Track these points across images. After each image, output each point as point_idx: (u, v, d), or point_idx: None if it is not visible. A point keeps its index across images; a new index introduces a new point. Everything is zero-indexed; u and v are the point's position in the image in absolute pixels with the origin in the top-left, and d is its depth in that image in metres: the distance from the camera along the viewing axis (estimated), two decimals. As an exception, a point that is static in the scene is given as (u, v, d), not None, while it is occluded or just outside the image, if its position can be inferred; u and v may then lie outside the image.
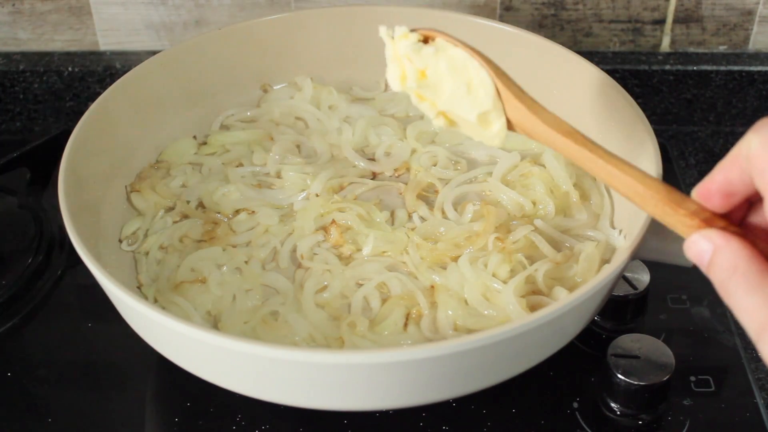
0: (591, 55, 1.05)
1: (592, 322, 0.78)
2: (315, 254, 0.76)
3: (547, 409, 0.73)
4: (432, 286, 0.73)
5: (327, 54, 0.94)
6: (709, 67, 1.04)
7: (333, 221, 0.78)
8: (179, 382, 0.73)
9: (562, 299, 0.61)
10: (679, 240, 0.69)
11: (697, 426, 0.71)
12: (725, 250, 0.49)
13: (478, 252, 0.75)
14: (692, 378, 0.75)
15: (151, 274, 0.75)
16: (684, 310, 0.81)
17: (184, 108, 0.89)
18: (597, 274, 0.72)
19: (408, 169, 0.85)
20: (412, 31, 0.64)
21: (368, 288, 0.73)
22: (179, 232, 0.78)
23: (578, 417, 0.72)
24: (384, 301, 0.72)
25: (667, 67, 1.04)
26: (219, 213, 0.81)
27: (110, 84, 0.83)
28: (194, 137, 0.89)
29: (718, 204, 0.52)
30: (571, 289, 0.71)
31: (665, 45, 1.06)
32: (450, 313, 0.70)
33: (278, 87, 0.94)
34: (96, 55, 1.08)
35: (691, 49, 1.06)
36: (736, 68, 1.04)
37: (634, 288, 0.77)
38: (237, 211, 0.81)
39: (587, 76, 0.83)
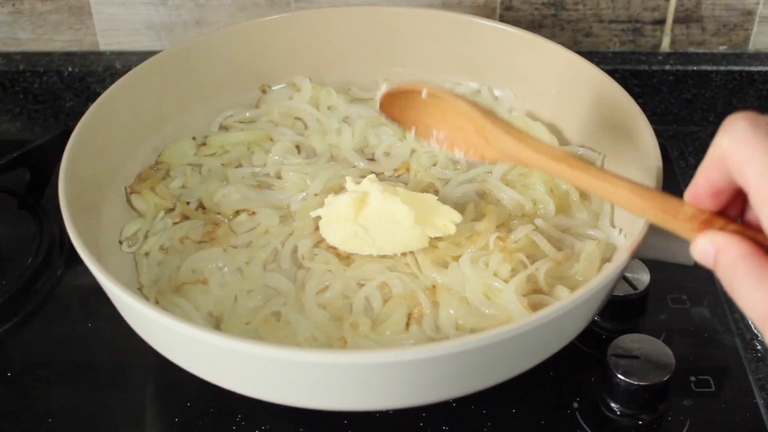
0: (591, 55, 1.05)
1: (592, 322, 0.78)
2: (315, 254, 0.76)
3: (547, 409, 0.73)
4: (433, 286, 0.73)
5: (326, 54, 0.94)
6: (709, 67, 1.04)
7: None
8: (179, 382, 0.73)
9: (564, 299, 0.61)
10: (680, 238, 0.70)
11: (697, 426, 0.71)
12: (726, 250, 0.50)
13: (479, 251, 0.75)
14: (692, 378, 0.75)
15: (152, 276, 0.75)
16: (684, 310, 0.81)
17: (184, 108, 0.89)
18: (598, 273, 0.72)
19: (408, 169, 0.85)
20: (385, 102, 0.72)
21: (370, 288, 0.73)
22: (180, 233, 0.78)
23: (578, 417, 0.72)
24: (386, 301, 0.72)
25: (667, 67, 1.04)
26: (219, 214, 0.80)
27: (110, 84, 0.83)
28: (193, 138, 0.89)
29: (709, 204, 0.53)
30: (572, 288, 0.71)
31: (665, 45, 1.06)
32: (452, 312, 0.70)
33: (277, 87, 0.94)
34: (96, 55, 1.08)
35: (691, 49, 1.06)
36: (736, 68, 1.04)
37: (634, 288, 0.77)
38: (237, 212, 0.81)
39: (587, 76, 0.83)
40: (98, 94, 0.82)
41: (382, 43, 0.94)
